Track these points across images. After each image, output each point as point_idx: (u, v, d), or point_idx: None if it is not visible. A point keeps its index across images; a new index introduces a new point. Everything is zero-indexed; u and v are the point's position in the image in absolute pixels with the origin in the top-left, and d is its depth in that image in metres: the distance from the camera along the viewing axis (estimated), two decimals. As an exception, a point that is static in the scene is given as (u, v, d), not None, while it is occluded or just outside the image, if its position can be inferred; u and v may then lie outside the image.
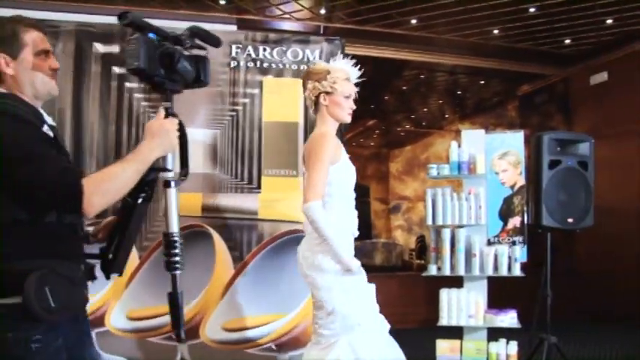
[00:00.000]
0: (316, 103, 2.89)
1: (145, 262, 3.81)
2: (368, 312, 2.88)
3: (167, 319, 3.68)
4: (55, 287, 1.70)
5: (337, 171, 2.81)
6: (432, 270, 4.58)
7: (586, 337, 6.31)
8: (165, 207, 2.04)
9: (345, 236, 2.83)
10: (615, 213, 7.52)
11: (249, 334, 3.86)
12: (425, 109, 11.67)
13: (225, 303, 3.84)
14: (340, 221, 2.82)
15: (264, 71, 4.01)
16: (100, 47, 3.79)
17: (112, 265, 1.95)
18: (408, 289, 7.12)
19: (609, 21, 7.00)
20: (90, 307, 3.63)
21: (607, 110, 7.96)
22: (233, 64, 3.97)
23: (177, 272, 2.00)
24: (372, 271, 9.40)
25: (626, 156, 7.48)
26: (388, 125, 12.43)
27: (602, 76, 8.14)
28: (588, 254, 7.82)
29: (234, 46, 3.97)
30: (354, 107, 2.91)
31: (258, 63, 4.00)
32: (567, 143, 4.83)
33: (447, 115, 11.88)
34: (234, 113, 3.96)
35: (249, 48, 4.00)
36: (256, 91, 3.98)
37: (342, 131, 3.68)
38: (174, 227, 2.02)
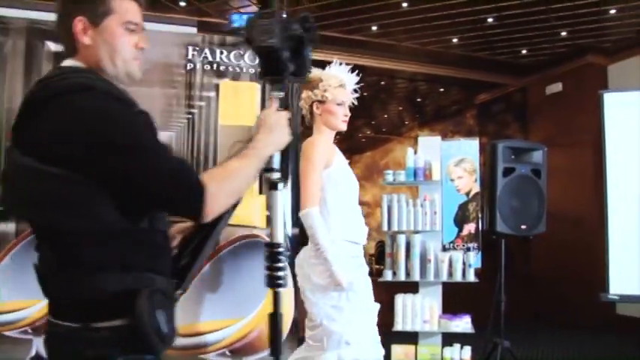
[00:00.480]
0: (311, 112, 2.86)
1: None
2: (361, 332, 2.68)
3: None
4: (163, 308, 1.39)
5: (330, 176, 2.75)
6: (388, 275, 4.60)
7: (539, 342, 6.42)
8: (270, 213, 1.75)
9: (342, 245, 2.72)
10: (568, 220, 7.69)
11: (203, 339, 3.81)
12: (385, 116, 11.76)
13: (179, 308, 3.77)
14: (337, 228, 2.73)
15: (220, 74, 3.98)
16: (52, 46, 3.70)
17: (182, 280, 1.60)
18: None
19: (564, 33, 7.17)
20: (39, 312, 3.57)
21: (561, 120, 8.15)
22: (189, 66, 3.93)
23: (282, 289, 1.71)
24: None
25: (579, 165, 7.65)
26: (348, 131, 12.45)
27: (557, 87, 8.33)
28: (542, 260, 7.97)
29: (190, 48, 3.94)
30: (349, 114, 2.86)
31: (215, 66, 3.97)
32: (521, 151, 4.91)
33: (406, 122, 11.98)
34: (189, 116, 3.91)
35: (206, 50, 3.96)
36: (212, 94, 3.95)
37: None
38: (280, 237, 1.72)
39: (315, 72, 2.82)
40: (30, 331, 3.59)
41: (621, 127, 5.00)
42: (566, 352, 6.04)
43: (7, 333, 3.59)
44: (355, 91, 2.95)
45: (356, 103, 2.96)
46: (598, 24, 6.86)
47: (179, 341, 3.72)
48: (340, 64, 2.91)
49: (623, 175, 4.94)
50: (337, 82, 2.80)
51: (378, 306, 2.84)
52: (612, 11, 6.46)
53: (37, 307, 3.58)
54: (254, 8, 6.57)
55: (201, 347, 3.80)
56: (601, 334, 7.02)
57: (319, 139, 2.82)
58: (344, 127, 2.86)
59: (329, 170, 2.74)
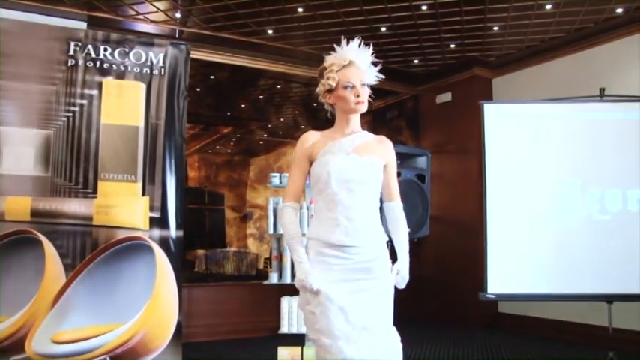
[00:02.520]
0: (330, 104, 2.65)
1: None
2: (328, 335, 2.43)
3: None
4: None
5: (312, 171, 2.56)
6: (274, 278, 4.61)
7: (426, 339, 6.65)
8: None
9: (314, 245, 2.53)
10: (455, 224, 8.02)
11: (82, 346, 3.68)
12: (281, 119, 11.79)
13: (55, 313, 3.64)
14: (311, 226, 2.59)
15: (104, 72, 3.86)
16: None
17: None
18: (256, 297, 7.14)
19: (452, 46, 7.47)
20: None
21: (450, 128, 8.48)
22: (71, 62, 3.79)
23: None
24: (223, 280, 9.36)
25: (466, 171, 7.99)
26: (244, 133, 12.42)
27: (447, 96, 8.66)
28: (431, 262, 8.26)
29: (72, 44, 3.80)
30: (363, 94, 2.53)
31: (98, 63, 3.85)
32: (407, 157, 5.09)
33: (302, 126, 12.08)
34: (70, 114, 3.77)
35: (89, 47, 3.84)
36: (95, 92, 3.83)
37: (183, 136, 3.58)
38: None
39: (326, 58, 2.65)
40: None
41: (500, 136, 5.28)
42: (452, 349, 6.28)
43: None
44: (374, 64, 2.62)
45: (381, 76, 2.63)
46: (483, 39, 7.20)
47: (58, 348, 3.59)
48: (348, 42, 2.62)
49: (501, 182, 5.22)
50: (340, 63, 2.56)
51: (348, 309, 2.47)
52: (495, 28, 6.80)
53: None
54: (148, 6, 6.42)
55: (78, 354, 3.67)
56: (484, 330, 7.38)
57: (306, 134, 2.65)
58: (361, 109, 2.56)
59: (314, 165, 2.56)
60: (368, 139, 2.63)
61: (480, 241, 5.33)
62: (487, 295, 5.10)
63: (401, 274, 2.59)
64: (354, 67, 2.56)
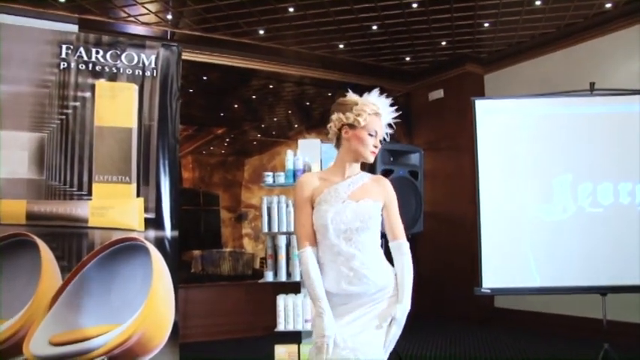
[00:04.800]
0: (339, 137, 2.61)
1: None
2: None
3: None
4: None
5: (314, 218, 2.56)
6: (269, 277, 4.62)
7: (423, 335, 6.69)
8: None
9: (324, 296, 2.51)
10: (449, 220, 8.06)
11: (80, 347, 3.69)
12: (274, 119, 11.80)
13: (53, 315, 3.65)
14: (322, 276, 2.54)
15: (96, 74, 3.87)
16: None
17: None
18: (252, 297, 7.17)
19: (444, 43, 7.52)
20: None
21: (443, 125, 8.53)
22: (63, 65, 3.80)
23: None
24: (220, 280, 9.37)
25: (459, 167, 8.04)
26: (238, 134, 12.42)
27: (439, 93, 8.70)
28: (427, 258, 8.30)
29: (64, 47, 3.81)
30: (379, 147, 2.60)
31: (91, 65, 3.86)
32: (399, 154, 5.12)
33: (295, 125, 12.08)
34: (63, 117, 3.78)
35: (81, 49, 3.84)
36: (88, 94, 3.83)
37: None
38: None
39: (353, 96, 2.61)
40: None
41: (491, 132, 5.31)
42: (448, 345, 6.32)
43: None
44: (390, 126, 2.66)
45: (387, 139, 2.68)
46: (473, 36, 7.24)
47: (56, 350, 3.60)
48: (381, 94, 2.61)
49: (494, 178, 5.25)
50: (373, 109, 2.55)
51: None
52: (486, 25, 6.85)
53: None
54: (139, 8, 6.43)
55: (76, 355, 3.68)
56: (481, 326, 7.43)
57: (304, 178, 2.65)
58: (371, 159, 2.59)
59: (313, 212, 2.57)
60: (365, 180, 2.63)
61: (473, 236, 5.36)
62: (482, 290, 5.13)
63: (396, 321, 2.51)
64: (380, 120, 2.58)
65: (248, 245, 12.40)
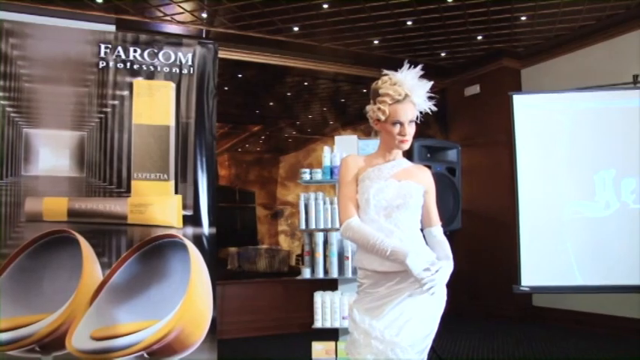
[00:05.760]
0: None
1: (5, 271, 3.61)
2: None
3: (29, 329, 3.59)
4: None
5: (358, 191, 2.56)
6: (306, 274, 4.63)
7: (459, 334, 6.62)
8: None
9: (364, 274, 2.56)
10: (486, 217, 7.96)
11: (120, 342, 3.74)
12: (309, 116, 11.81)
13: (94, 311, 3.71)
14: (362, 254, 2.56)
15: (134, 73, 3.92)
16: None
17: None
18: (289, 293, 7.18)
19: (480, 37, 7.41)
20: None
21: (479, 120, 8.42)
22: (102, 64, 3.85)
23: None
24: (256, 277, 9.42)
25: (496, 164, 7.93)
26: (273, 131, 12.46)
27: (475, 89, 8.60)
28: (463, 255, 8.21)
29: (103, 46, 3.86)
30: (408, 133, 2.50)
31: (129, 64, 3.91)
32: (437, 150, 5.07)
33: (330, 122, 12.07)
34: (102, 115, 3.83)
35: (119, 48, 3.89)
36: (126, 92, 3.88)
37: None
38: None
39: (381, 80, 2.53)
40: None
41: (530, 127, 5.23)
42: (486, 343, 6.25)
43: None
44: (432, 97, 2.55)
45: (433, 108, 2.55)
46: (510, 30, 7.13)
47: (97, 344, 3.66)
48: (410, 66, 2.49)
49: (532, 174, 5.17)
50: (394, 97, 2.46)
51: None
52: (523, 18, 6.73)
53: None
54: (174, 7, 6.49)
55: (117, 350, 3.73)
56: (519, 325, 7.32)
57: (349, 157, 2.66)
58: (403, 148, 2.54)
59: (358, 188, 2.56)
60: (407, 166, 2.63)
61: (511, 233, 5.29)
62: (521, 288, 5.06)
63: (442, 270, 2.44)
64: (407, 102, 2.49)
65: (284, 242, 12.44)
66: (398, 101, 2.46)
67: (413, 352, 2.43)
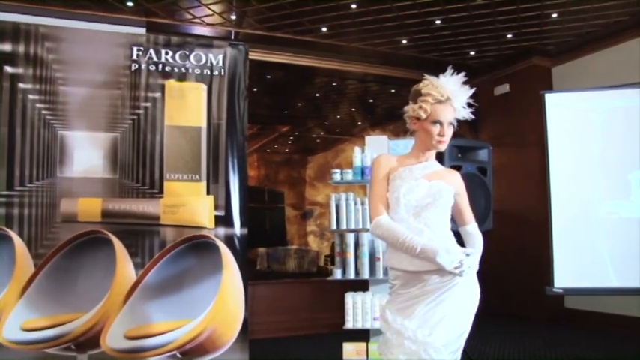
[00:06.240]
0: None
1: (41, 270, 3.67)
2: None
3: (65, 328, 3.64)
4: None
5: (388, 190, 2.59)
6: (337, 274, 4.62)
7: (490, 335, 6.56)
8: None
9: (394, 274, 2.59)
10: (516, 217, 7.88)
11: (153, 341, 3.77)
12: (337, 116, 11.82)
13: (127, 310, 3.74)
14: (392, 254, 2.59)
15: (166, 75, 3.95)
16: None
17: None
18: (318, 294, 7.19)
19: (509, 36, 7.34)
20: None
21: (509, 120, 8.34)
22: (134, 66, 3.89)
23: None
24: (285, 277, 9.46)
25: (526, 163, 7.84)
26: (301, 132, 12.50)
27: (505, 88, 8.52)
28: (492, 256, 8.12)
29: (135, 49, 3.90)
30: (447, 134, 2.55)
31: (161, 66, 3.94)
32: (467, 150, 5.02)
33: (359, 123, 12.07)
34: (135, 117, 3.88)
35: (151, 51, 3.93)
36: (158, 94, 3.91)
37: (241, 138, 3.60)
38: None
39: (424, 82, 2.59)
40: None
41: (562, 126, 5.15)
42: (517, 345, 6.18)
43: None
44: (470, 105, 2.61)
45: (471, 116, 2.62)
46: (540, 27, 7.04)
47: (131, 343, 3.70)
48: (453, 72, 2.57)
49: (565, 173, 5.09)
50: (437, 97, 2.51)
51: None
52: (554, 15, 6.64)
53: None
54: (204, 10, 6.55)
55: (150, 350, 3.76)
56: (550, 326, 7.22)
57: (382, 157, 2.70)
58: (440, 148, 2.57)
59: (389, 187, 2.60)
60: (438, 168, 2.66)
61: (542, 233, 5.22)
62: (554, 290, 4.99)
63: (472, 255, 2.51)
64: (448, 104, 2.54)
65: (313, 243, 12.48)
66: (440, 101, 2.52)
67: (446, 352, 2.43)
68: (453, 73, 2.56)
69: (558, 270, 4.99)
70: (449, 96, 2.53)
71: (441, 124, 2.52)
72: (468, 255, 2.47)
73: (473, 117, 2.62)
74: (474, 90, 2.60)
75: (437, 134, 2.53)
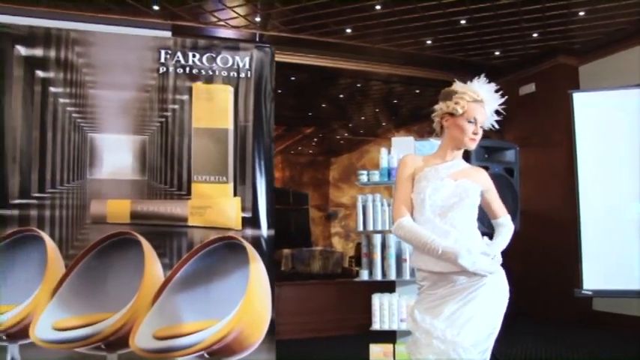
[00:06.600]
0: (441, 126, 2.67)
1: (72, 271, 3.72)
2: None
3: (96, 328, 3.69)
4: None
5: (412, 192, 2.61)
6: (364, 275, 4.61)
7: (516, 338, 6.50)
8: None
9: (421, 275, 2.61)
10: (543, 218, 7.79)
11: (181, 342, 3.80)
12: (362, 118, 11.81)
13: (156, 311, 3.78)
14: (417, 255, 2.61)
15: (193, 77, 3.98)
16: (22, 50, 3.69)
17: None
18: (344, 295, 7.18)
19: (535, 35, 7.27)
20: (13, 319, 3.60)
21: (535, 120, 8.26)
22: (162, 69, 3.93)
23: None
24: (309, 279, 9.48)
25: (553, 163, 7.76)
26: (326, 133, 12.51)
27: (531, 87, 8.44)
28: (518, 258, 8.05)
29: (163, 52, 3.94)
30: (479, 133, 2.60)
31: (188, 69, 3.97)
32: (494, 150, 4.98)
33: (383, 123, 12.04)
34: (163, 119, 3.91)
35: (179, 54, 3.96)
36: (185, 97, 3.94)
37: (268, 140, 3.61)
38: None
39: (456, 85, 2.67)
40: (5, 337, 3.61)
41: (591, 126, 5.09)
42: (544, 347, 6.12)
43: None
44: (498, 112, 2.67)
45: (496, 126, 2.67)
46: (567, 26, 6.97)
47: (159, 344, 3.74)
48: (489, 82, 2.65)
49: (593, 173, 5.03)
50: (473, 97, 2.57)
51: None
52: (581, 13, 6.56)
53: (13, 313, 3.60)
54: (229, 12, 6.59)
55: (178, 350, 3.79)
56: (578, 329, 7.13)
57: (408, 157, 2.72)
58: (471, 146, 2.61)
59: (414, 188, 2.62)
60: (464, 167, 2.67)
61: (569, 234, 5.17)
62: (583, 292, 4.93)
63: (494, 246, 2.58)
64: (483, 106, 2.59)
65: (338, 244, 12.48)
66: (476, 101, 2.57)
67: (475, 352, 2.43)
68: (484, 82, 2.64)
69: (587, 272, 4.93)
70: (483, 99, 2.59)
71: (475, 122, 2.57)
72: (487, 255, 2.49)
73: (497, 127, 2.66)
74: (504, 99, 2.65)
75: (471, 132, 2.57)
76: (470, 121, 2.56)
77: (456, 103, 2.56)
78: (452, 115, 2.59)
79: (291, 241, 11.00)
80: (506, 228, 2.72)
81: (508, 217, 2.76)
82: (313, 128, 12.25)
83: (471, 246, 2.45)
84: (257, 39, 7.17)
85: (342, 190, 12.89)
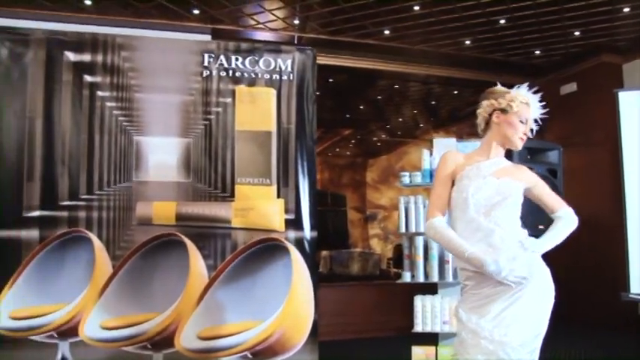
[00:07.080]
0: (487, 122, 2.66)
1: (119, 272, 3.79)
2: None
3: (142, 328, 3.75)
4: None
5: (452, 194, 2.61)
6: (406, 277, 4.60)
7: (560, 342, 6.39)
8: None
9: (465, 274, 2.58)
10: (587, 220, 7.62)
11: (225, 342, 3.83)
12: (400, 119, 11.76)
13: (200, 311, 3.82)
14: None
15: (236, 80, 4.02)
16: (71, 56, 3.78)
17: None
18: (384, 297, 7.16)
19: (577, 33, 7.16)
20: (63, 317, 3.68)
21: (577, 120, 8.12)
22: (205, 73, 3.98)
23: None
24: (349, 280, 9.48)
25: (596, 164, 7.62)
26: (364, 134, 12.49)
27: (572, 87, 8.30)
28: (561, 260, 7.90)
29: (206, 56, 3.99)
30: (528, 135, 2.63)
31: (231, 72, 4.01)
32: (537, 151, 4.93)
33: (421, 125, 11.97)
34: (207, 122, 3.96)
35: (222, 57, 4.01)
36: (229, 100, 3.99)
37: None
38: None
39: (500, 87, 2.69)
40: (56, 335, 3.68)
41: (637, 125, 5.00)
42: (588, 352, 6.01)
43: (33, 337, 3.67)
44: (536, 121, 2.68)
45: (533, 131, 2.69)
46: (611, 23, 6.83)
47: (204, 344, 3.78)
48: (530, 89, 2.66)
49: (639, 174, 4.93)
50: (524, 99, 2.60)
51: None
52: (626, 9, 6.44)
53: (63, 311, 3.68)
54: (267, 15, 6.64)
55: (222, 350, 3.82)
56: (623, 334, 6.98)
57: (449, 154, 2.71)
58: (519, 145, 2.62)
59: (455, 187, 2.61)
60: (506, 165, 2.65)
61: (613, 237, 5.07)
62: (630, 296, 4.83)
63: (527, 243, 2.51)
64: (530, 111, 2.61)
65: (377, 246, 12.45)
66: (527, 104, 2.59)
67: (524, 352, 2.42)
68: (528, 90, 2.65)
69: (634, 275, 4.84)
70: (531, 105, 2.61)
71: (526, 123, 2.59)
72: (526, 250, 2.47)
73: (531, 136, 2.68)
74: (545, 110, 2.66)
75: (522, 131, 2.59)
76: (522, 121, 2.58)
77: (511, 101, 2.57)
78: (503, 111, 2.58)
79: (329, 243, 11.01)
80: (562, 221, 2.67)
81: (567, 210, 2.70)
82: (351, 130, 12.24)
83: (500, 257, 2.41)
84: (295, 41, 7.21)
85: (381, 191, 12.84)
